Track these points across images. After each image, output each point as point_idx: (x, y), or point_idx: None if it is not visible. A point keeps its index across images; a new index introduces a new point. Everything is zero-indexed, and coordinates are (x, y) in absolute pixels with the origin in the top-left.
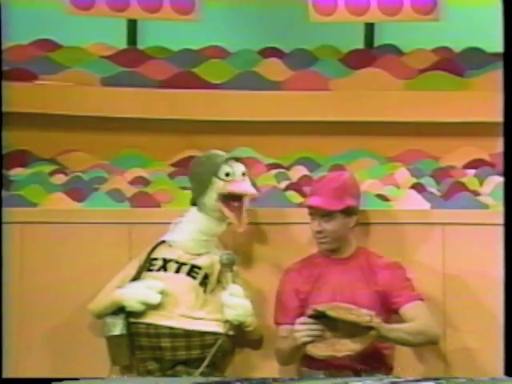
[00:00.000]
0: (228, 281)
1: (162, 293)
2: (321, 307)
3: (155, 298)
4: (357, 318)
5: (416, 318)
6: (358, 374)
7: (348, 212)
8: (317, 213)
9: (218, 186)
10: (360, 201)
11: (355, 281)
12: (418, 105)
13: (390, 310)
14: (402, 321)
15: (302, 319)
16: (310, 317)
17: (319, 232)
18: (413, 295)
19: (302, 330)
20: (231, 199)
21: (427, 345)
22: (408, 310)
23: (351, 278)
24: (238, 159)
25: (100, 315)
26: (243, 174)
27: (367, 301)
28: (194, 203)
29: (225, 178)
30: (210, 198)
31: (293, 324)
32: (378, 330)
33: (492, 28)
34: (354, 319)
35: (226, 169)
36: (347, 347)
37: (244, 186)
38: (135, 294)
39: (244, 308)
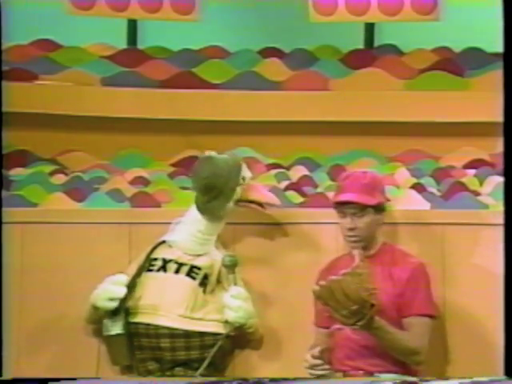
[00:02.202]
0: (230, 282)
1: (126, 285)
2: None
3: (120, 291)
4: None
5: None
6: (371, 374)
7: (379, 208)
8: (348, 210)
9: (238, 192)
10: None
11: (377, 279)
12: (418, 105)
13: (402, 315)
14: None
15: (315, 353)
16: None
17: (351, 229)
18: (421, 309)
19: (313, 364)
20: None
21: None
22: (407, 322)
23: (374, 276)
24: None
25: (89, 321)
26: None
27: (385, 301)
28: (208, 212)
29: (242, 182)
30: (231, 205)
31: (322, 327)
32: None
33: (492, 28)
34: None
35: (242, 174)
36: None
37: (267, 194)
38: (101, 293)
39: (245, 310)
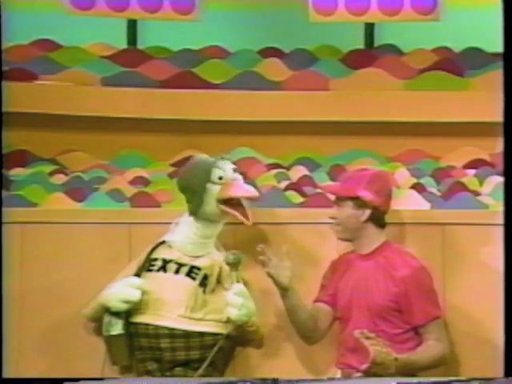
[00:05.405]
0: (233, 280)
1: (141, 288)
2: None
3: (135, 295)
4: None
5: (427, 339)
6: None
7: (359, 203)
8: (335, 200)
9: (215, 191)
10: (384, 200)
11: (372, 280)
12: (418, 105)
13: (407, 322)
14: None
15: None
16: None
17: (331, 218)
18: (429, 313)
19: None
20: (230, 199)
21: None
22: (422, 330)
23: (368, 276)
24: (223, 158)
25: (92, 319)
26: (234, 171)
27: (381, 302)
28: (194, 213)
29: (219, 181)
30: (210, 204)
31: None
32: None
33: (492, 28)
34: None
35: (218, 172)
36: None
37: (244, 189)
38: (115, 294)
39: (248, 308)
